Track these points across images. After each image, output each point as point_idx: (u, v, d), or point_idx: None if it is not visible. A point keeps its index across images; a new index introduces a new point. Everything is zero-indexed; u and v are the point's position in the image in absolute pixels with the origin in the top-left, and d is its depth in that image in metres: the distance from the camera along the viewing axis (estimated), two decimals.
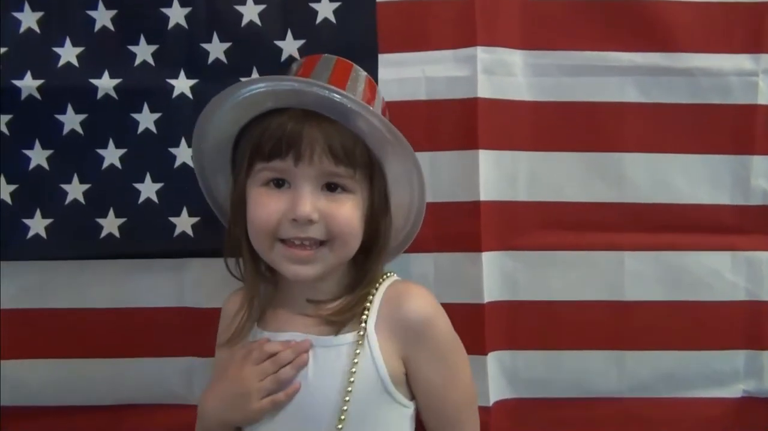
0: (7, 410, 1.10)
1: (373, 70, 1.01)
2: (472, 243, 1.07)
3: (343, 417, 0.83)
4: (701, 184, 1.08)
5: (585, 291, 1.09)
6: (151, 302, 1.10)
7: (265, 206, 0.83)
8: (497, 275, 1.08)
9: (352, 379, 0.83)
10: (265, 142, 0.82)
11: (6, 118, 1.06)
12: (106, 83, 1.05)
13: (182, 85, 1.06)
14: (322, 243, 0.84)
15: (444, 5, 1.06)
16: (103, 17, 1.05)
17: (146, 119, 1.06)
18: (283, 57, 1.05)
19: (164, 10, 1.05)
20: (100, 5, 1.05)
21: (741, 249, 1.09)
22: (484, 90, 1.06)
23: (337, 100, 0.82)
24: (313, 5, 1.05)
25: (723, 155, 1.08)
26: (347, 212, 0.84)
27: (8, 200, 1.07)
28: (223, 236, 1.05)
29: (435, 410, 0.88)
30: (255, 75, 1.05)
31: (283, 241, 0.84)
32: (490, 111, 1.06)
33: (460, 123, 1.06)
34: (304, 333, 0.87)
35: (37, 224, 1.07)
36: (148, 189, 1.07)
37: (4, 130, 1.06)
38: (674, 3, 1.06)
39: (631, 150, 1.08)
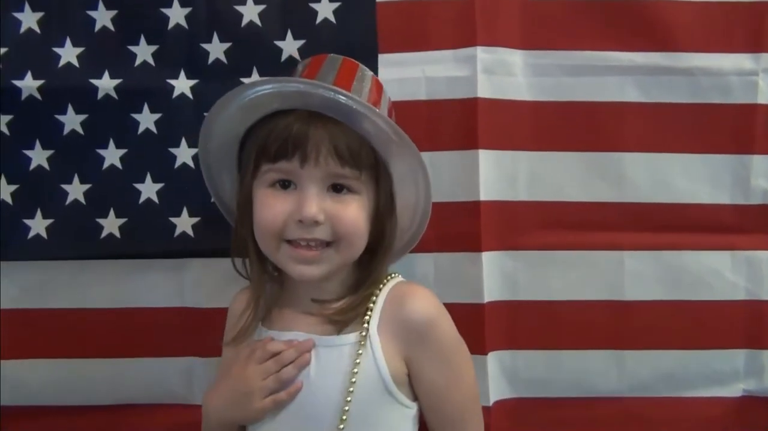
0: (7, 410, 1.10)
1: (373, 71, 1.01)
2: (472, 243, 1.07)
3: (344, 417, 0.83)
4: (701, 183, 1.08)
5: (585, 291, 1.09)
6: (151, 303, 1.10)
7: (271, 208, 0.83)
8: (497, 275, 1.09)
9: (353, 379, 0.83)
10: (271, 143, 0.82)
11: (6, 118, 1.06)
12: (106, 83, 1.05)
13: (182, 85, 1.06)
14: (328, 244, 0.84)
15: (444, 5, 1.06)
16: (103, 17, 1.05)
17: (146, 119, 1.06)
18: (283, 57, 1.05)
19: (164, 10, 1.05)
20: (101, 5, 1.05)
21: (741, 249, 1.09)
22: (484, 90, 1.06)
23: (343, 101, 0.82)
24: (313, 5, 1.05)
25: (723, 154, 1.08)
26: (353, 213, 0.84)
27: (9, 200, 1.07)
28: (223, 237, 1.05)
29: (438, 411, 0.88)
30: (255, 75, 1.05)
31: (289, 241, 0.84)
32: (490, 111, 1.06)
33: (460, 123, 1.06)
34: (307, 332, 0.87)
35: (38, 225, 1.07)
36: (149, 189, 1.07)
37: (5, 130, 1.06)
38: (674, 3, 1.06)
39: (632, 150, 1.08)
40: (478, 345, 1.05)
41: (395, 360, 0.85)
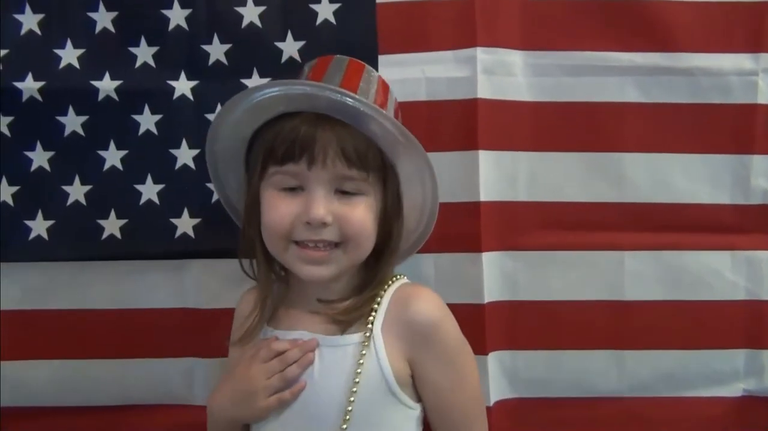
0: (7, 410, 1.10)
1: None
2: (473, 243, 1.07)
3: (347, 417, 0.83)
4: (701, 183, 1.08)
5: (585, 291, 1.09)
6: (152, 303, 1.10)
7: (279, 209, 0.84)
8: (497, 276, 1.09)
9: (357, 379, 0.83)
10: (279, 145, 0.82)
11: (7, 119, 1.06)
12: (107, 85, 1.05)
13: (183, 86, 1.06)
14: (336, 245, 0.84)
15: (444, 6, 1.06)
16: (103, 19, 1.06)
17: (147, 121, 1.06)
18: (284, 58, 1.05)
19: (165, 11, 1.05)
20: (101, 7, 1.05)
21: (741, 249, 1.09)
22: (484, 90, 1.06)
23: (350, 104, 0.82)
24: (313, 6, 1.05)
25: (723, 154, 1.08)
26: (360, 214, 0.84)
27: (10, 201, 1.07)
28: (223, 237, 1.06)
29: (442, 413, 0.88)
30: (255, 76, 1.05)
31: (297, 242, 0.84)
32: (490, 111, 1.06)
33: (460, 124, 1.06)
34: (311, 332, 0.88)
35: (39, 226, 1.07)
36: (149, 190, 1.07)
37: (6, 131, 1.06)
38: (674, 3, 1.06)
39: (631, 150, 1.08)
40: (478, 346, 1.05)
41: (399, 361, 0.85)
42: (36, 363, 1.11)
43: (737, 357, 1.10)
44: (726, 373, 1.10)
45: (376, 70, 1.03)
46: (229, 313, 1.07)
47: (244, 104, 0.85)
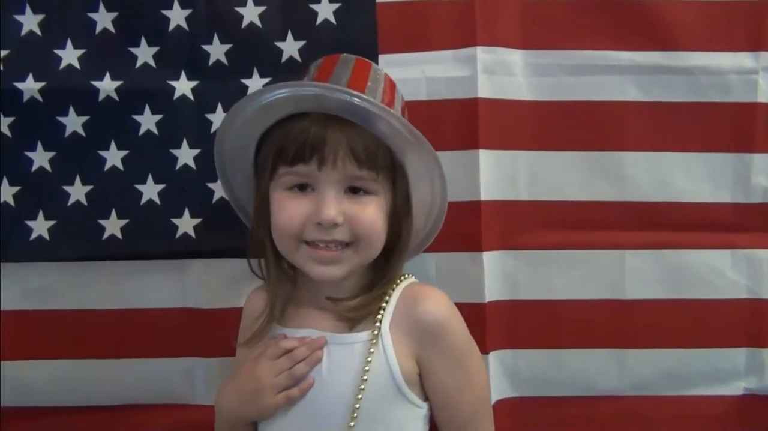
0: (8, 410, 1.10)
1: None
2: (473, 243, 1.07)
3: (355, 414, 0.83)
4: (702, 182, 1.08)
5: (586, 290, 1.09)
6: (152, 303, 1.10)
7: (289, 210, 0.84)
8: (498, 275, 1.09)
9: (365, 377, 0.84)
10: (289, 147, 0.82)
11: (8, 120, 1.06)
12: (107, 85, 1.05)
13: (183, 86, 1.06)
14: (347, 245, 0.84)
15: (444, 5, 1.06)
16: (104, 19, 1.06)
17: (148, 121, 1.06)
18: (284, 58, 1.05)
19: (165, 11, 1.05)
20: (101, 7, 1.05)
21: (742, 247, 1.09)
22: (485, 90, 1.06)
23: (359, 104, 0.82)
24: (314, 6, 1.05)
25: (723, 153, 1.08)
26: (371, 214, 0.84)
27: (11, 201, 1.07)
28: (224, 237, 1.06)
29: (449, 412, 0.88)
30: (256, 76, 1.05)
31: (308, 242, 0.84)
32: (490, 111, 1.06)
33: (460, 123, 1.06)
34: (320, 329, 0.88)
35: (40, 226, 1.07)
36: (150, 190, 1.07)
37: (7, 132, 1.07)
38: (674, 2, 1.06)
39: (632, 149, 1.08)
40: (479, 345, 1.03)
41: (407, 360, 0.86)
42: (37, 362, 1.11)
43: (738, 356, 1.10)
44: (727, 372, 1.10)
45: None
46: (230, 313, 1.07)
47: (253, 106, 0.85)
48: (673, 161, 1.08)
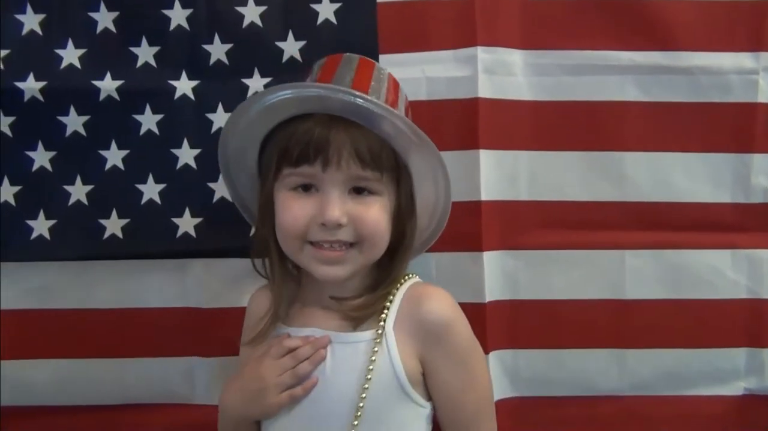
0: (8, 410, 1.11)
1: None
2: (474, 243, 1.07)
3: (359, 413, 0.83)
4: (702, 182, 1.08)
5: (586, 290, 1.09)
6: (153, 303, 1.10)
7: (294, 211, 0.84)
8: (498, 275, 1.09)
9: (369, 376, 0.84)
10: (293, 148, 0.83)
11: (9, 119, 1.06)
12: (108, 85, 1.05)
13: (184, 86, 1.06)
14: (351, 245, 0.85)
15: (444, 5, 1.06)
16: (104, 19, 1.06)
17: (148, 120, 1.06)
18: (285, 58, 1.05)
19: (165, 11, 1.05)
20: (102, 7, 1.05)
21: (742, 247, 1.09)
22: (485, 90, 1.06)
23: (362, 105, 0.82)
24: (314, 6, 1.05)
25: (723, 153, 1.08)
26: (375, 214, 0.84)
27: (11, 201, 1.08)
28: (225, 237, 1.06)
29: (452, 412, 0.88)
30: (257, 76, 1.06)
31: (312, 243, 0.84)
32: (490, 111, 1.06)
33: (461, 123, 1.06)
34: (323, 329, 0.88)
35: (41, 226, 1.07)
36: (151, 190, 1.07)
37: (7, 131, 1.07)
38: (674, 1, 1.06)
39: (632, 149, 1.08)
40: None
41: (410, 359, 0.86)
42: (38, 362, 1.11)
43: (738, 356, 1.10)
44: (727, 372, 1.10)
45: None
46: (230, 312, 1.07)
47: (257, 107, 0.85)
48: (674, 161, 1.08)
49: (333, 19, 1.05)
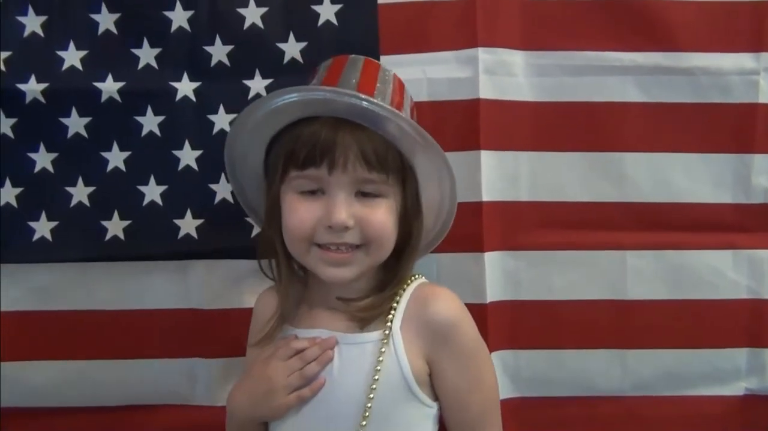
0: (10, 411, 1.11)
1: None
2: (475, 243, 1.07)
3: (367, 414, 0.83)
4: (702, 183, 1.09)
5: (587, 290, 1.09)
6: (155, 304, 1.10)
7: (301, 213, 0.84)
8: (499, 275, 1.09)
9: (376, 377, 0.84)
10: (299, 151, 0.83)
11: (11, 121, 1.06)
12: (109, 86, 1.05)
13: (185, 87, 1.06)
14: (357, 246, 0.85)
15: (445, 6, 1.06)
16: (106, 21, 1.06)
17: (150, 122, 1.06)
18: (286, 59, 1.05)
19: (167, 13, 1.05)
20: (104, 9, 1.05)
21: (742, 247, 1.09)
22: (486, 91, 1.06)
23: (368, 107, 0.82)
24: (315, 7, 1.05)
25: (724, 153, 1.08)
26: (381, 216, 0.84)
27: (13, 202, 1.08)
28: (226, 238, 1.07)
29: (458, 412, 0.89)
30: (258, 77, 1.06)
31: (319, 245, 0.85)
32: (491, 112, 1.06)
33: (462, 124, 1.06)
34: (331, 329, 0.88)
35: (43, 227, 1.07)
36: (152, 191, 1.07)
37: (9, 133, 1.07)
38: (675, 2, 1.06)
39: (633, 149, 1.08)
40: None
41: (417, 360, 0.86)
42: (39, 363, 1.11)
43: (739, 356, 1.10)
44: (728, 372, 1.10)
45: None
46: (232, 313, 1.08)
47: (262, 110, 0.86)
48: (674, 162, 1.08)
49: (334, 20, 1.05)
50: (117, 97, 1.06)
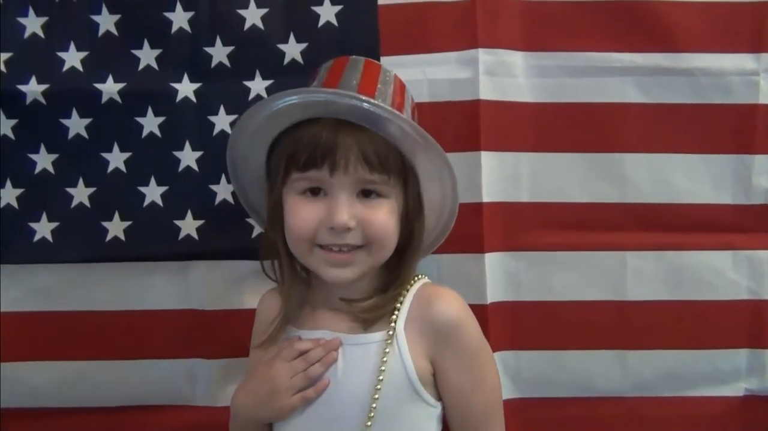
0: (10, 411, 1.11)
1: None
2: (475, 244, 1.07)
3: (372, 414, 0.84)
4: (703, 183, 1.09)
5: (587, 291, 1.09)
6: (155, 305, 1.10)
7: (303, 215, 0.84)
8: (500, 276, 1.09)
9: (381, 377, 0.84)
10: (300, 152, 0.83)
11: (11, 122, 1.07)
12: (110, 87, 1.05)
13: (186, 88, 1.06)
14: (359, 247, 0.85)
15: (445, 7, 1.06)
16: (106, 22, 1.06)
17: (150, 123, 1.06)
18: (286, 60, 1.05)
19: (167, 14, 1.05)
20: (104, 10, 1.05)
21: (742, 248, 1.09)
22: (486, 92, 1.06)
23: (369, 109, 0.82)
24: (316, 8, 1.05)
25: (724, 154, 1.08)
26: (383, 217, 0.85)
27: (14, 204, 1.08)
28: (227, 239, 1.07)
29: (461, 412, 0.89)
30: (258, 78, 1.06)
31: (321, 246, 0.85)
32: (492, 113, 1.06)
33: (462, 125, 1.06)
34: (334, 330, 0.88)
35: (43, 228, 1.07)
36: (153, 192, 1.07)
37: (10, 134, 1.07)
38: (675, 3, 1.06)
39: (633, 150, 1.08)
40: None
41: (421, 360, 0.86)
42: (39, 364, 1.11)
43: (739, 357, 1.10)
44: (728, 373, 1.10)
45: None
46: (232, 314, 1.08)
47: (264, 112, 0.86)
48: (674, 162, 1.08)
49: (334, 21, 1.05)
50: (117, 98, 1.06)
